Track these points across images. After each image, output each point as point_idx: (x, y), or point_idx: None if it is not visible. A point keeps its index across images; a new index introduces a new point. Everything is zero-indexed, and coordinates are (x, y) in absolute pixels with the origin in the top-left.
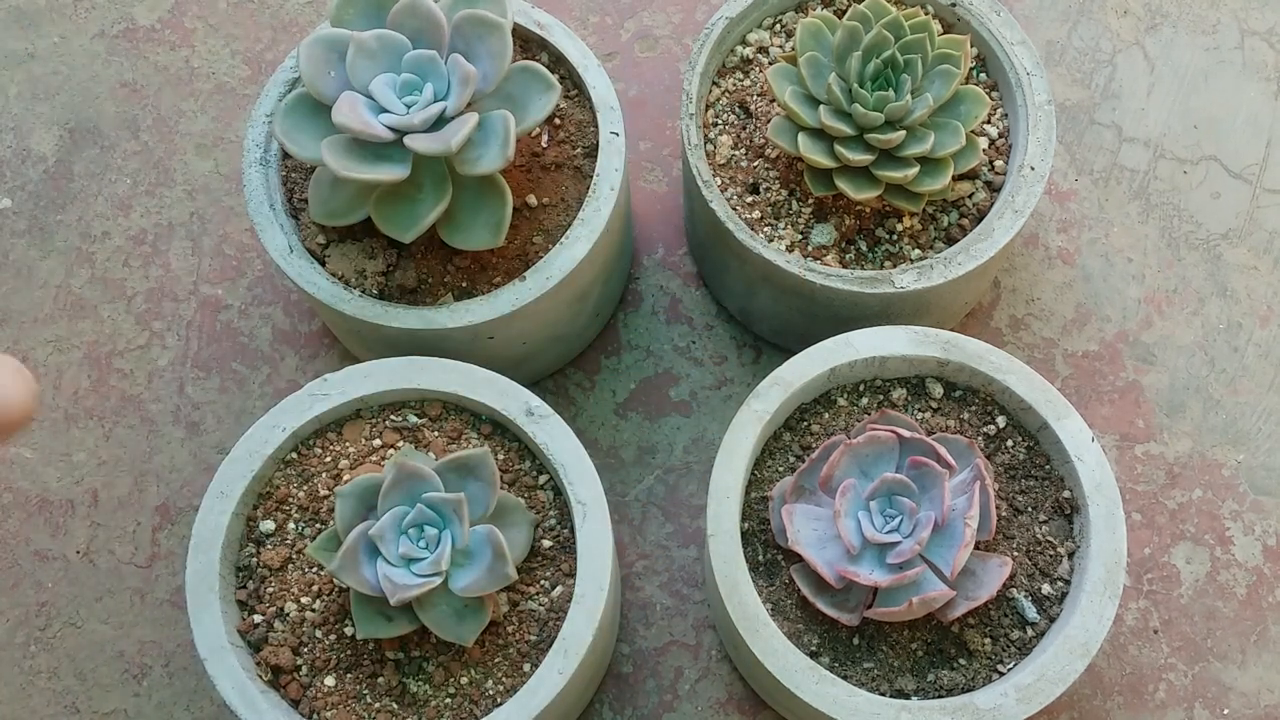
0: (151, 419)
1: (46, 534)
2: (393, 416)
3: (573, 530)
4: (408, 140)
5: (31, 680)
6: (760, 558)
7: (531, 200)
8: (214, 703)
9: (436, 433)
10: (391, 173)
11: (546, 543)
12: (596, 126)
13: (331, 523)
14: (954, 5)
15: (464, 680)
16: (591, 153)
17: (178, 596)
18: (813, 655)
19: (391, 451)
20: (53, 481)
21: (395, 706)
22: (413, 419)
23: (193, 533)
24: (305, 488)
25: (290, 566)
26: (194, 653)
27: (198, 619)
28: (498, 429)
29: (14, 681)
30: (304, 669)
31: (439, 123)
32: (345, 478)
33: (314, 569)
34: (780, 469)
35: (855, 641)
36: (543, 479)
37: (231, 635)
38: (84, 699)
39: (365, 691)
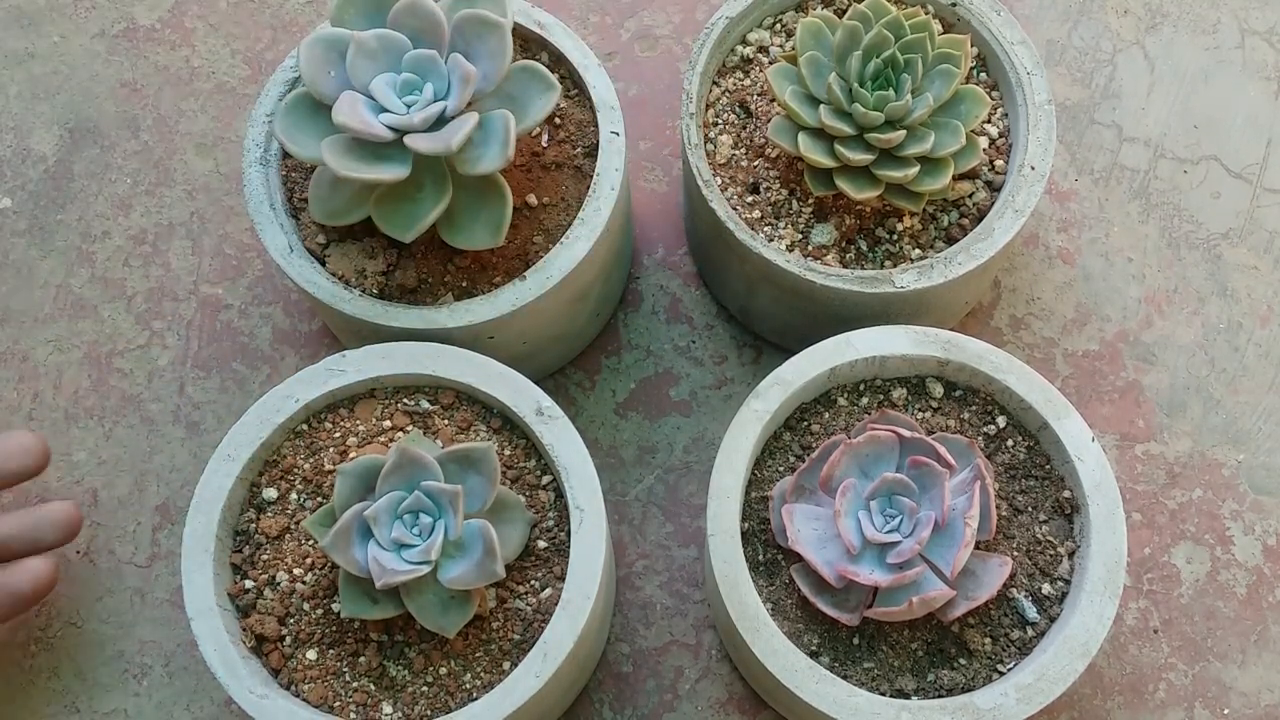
0: (151, 419)
1: None
2: (406, 400)
3: (569, 534)
4: (408, 140)
5: (31, 680)
6: (760, 558)
7: (531, 200)
8: (214, 702)
9: (447, 421)
10: (391, 172)
11: (542, 544)
12: (596, 126)
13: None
14: (954, 5)
15: (443, 670)
16: (591, 152)
17: (177, 596)
18: (813, 655)
19: (400, 434)
20: (53, 481)
21: (372, 688)
22: (425, 404)
23: (195, 493)
24: (312, 460)
25: (287, 536)
26: (194, 653)
27: (190, 578)
28: (507, 424)
29: (14, 681)
30: (288, 639)
31: (439, 122)
32: (352, 455)
33: (309, 541)
34: (780, 469)
35: (855, 641)
36: (546, 479)
37: (221, 598)
38: (84, 699)
39: (345, 669)
